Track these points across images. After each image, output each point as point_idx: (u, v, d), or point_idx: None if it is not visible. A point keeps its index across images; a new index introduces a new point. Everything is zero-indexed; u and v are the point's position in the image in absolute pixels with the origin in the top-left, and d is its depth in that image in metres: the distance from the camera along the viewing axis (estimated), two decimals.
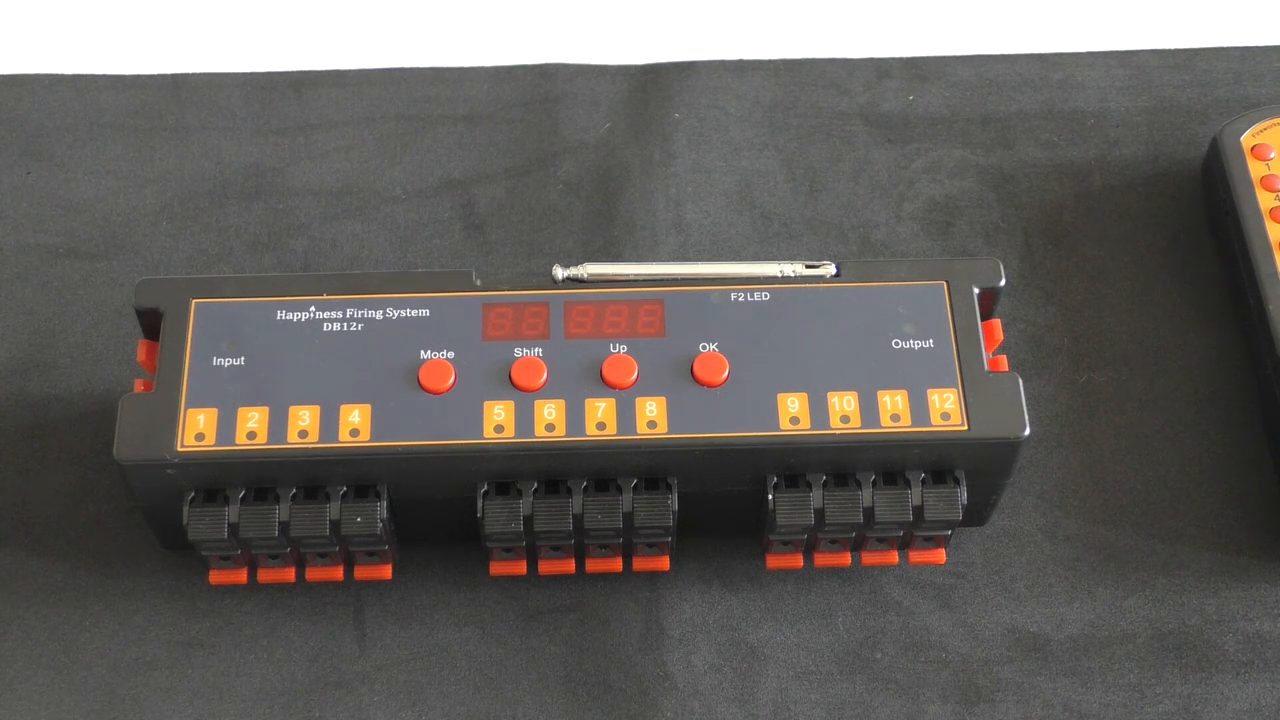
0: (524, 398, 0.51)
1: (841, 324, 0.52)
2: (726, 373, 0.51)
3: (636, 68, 0.68)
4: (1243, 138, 0.61)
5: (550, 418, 0.51)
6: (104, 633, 0.54)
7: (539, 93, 0.68)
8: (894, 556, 0.54)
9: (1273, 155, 0.60)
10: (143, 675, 0.53)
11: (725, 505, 0.53)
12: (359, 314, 0.52)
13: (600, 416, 0.51)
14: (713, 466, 0.51)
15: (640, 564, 0.53)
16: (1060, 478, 0.57)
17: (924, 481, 0.51)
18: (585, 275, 0.54)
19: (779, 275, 0.54)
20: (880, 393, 0.51)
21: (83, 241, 0.63)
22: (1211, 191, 0.62)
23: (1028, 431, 0.50)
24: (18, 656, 0.53)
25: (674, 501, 0.51)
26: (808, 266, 0.54)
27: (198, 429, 0.50)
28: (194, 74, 0.68)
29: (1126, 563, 0.55)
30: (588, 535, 0.51)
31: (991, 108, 0.67)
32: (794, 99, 0.67)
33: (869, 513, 0.51)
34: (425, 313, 0.52)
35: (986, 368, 0.52)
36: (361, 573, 0.53)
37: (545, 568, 0.53)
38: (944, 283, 0.53)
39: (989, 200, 0.64)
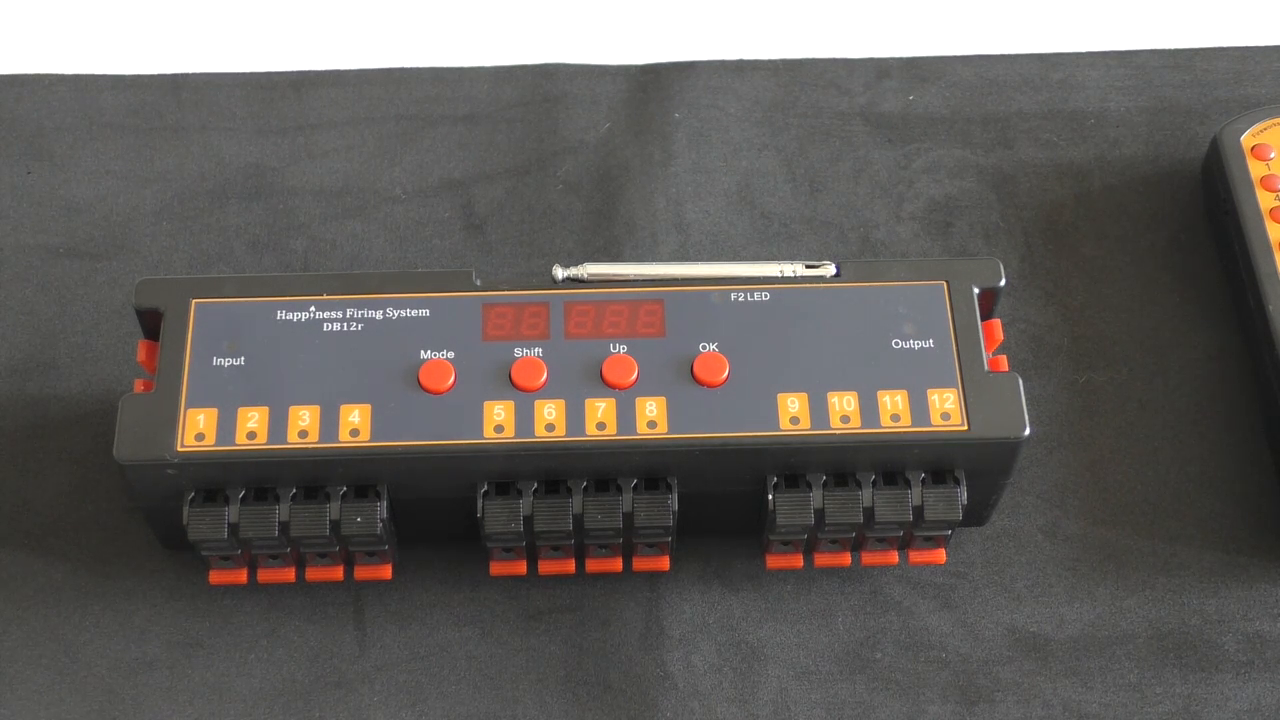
0: (524, 398, 0.51)
1: (841, 324, 0.52)
2: (726, 373, 0.51)
3: (636, 68, 0.68)
4: (1243, 138, 0.61)
5: (550, 418, 0.51)
6: (104, 633, 0.54)
7: (539, 93, 0.67)
8: (894, 556, 0.54)
9: (1273, 155, 0.60)
10: (143, 675, 0.53)
11: (725, 505, 0.53)
12: (359, 314, 0.52)
13: (600, 416, 0.51)
14: (713, 466, 0.51)
15: (640, 564, 0.53)
16: (1060, 478, 0.57)
17: (924, 481, 0.51)
18: (585, 275, 0.54)
19: (779, 275, 0.54)
20: (880, 393, 0.51)
21: (83, 241, 0.63)
22: (1211, 191, 0.62)
23: (1028, 431, 0.50)
24: (18, 656, 0.53)
25: (674, 501, 0.51)
26: (808, 266, 0.54)
27: (198, 429, 0.50)
28: (194, 74, 0.68)
29: (1126, 563, 0.55)
30: (588, 535, 0.51)
31: (991, 108, 0.67)
32: (794, 99, 0.67)
33: (869, 513, 0.51)
34: (425, 313, 0.52)
35: (986, 368, 0.52)
36: (361, 573, 0.53)
37: (545, 568, 0.53)
38: (944, 283, 0.53)
39: (989, 200, 0.64)
